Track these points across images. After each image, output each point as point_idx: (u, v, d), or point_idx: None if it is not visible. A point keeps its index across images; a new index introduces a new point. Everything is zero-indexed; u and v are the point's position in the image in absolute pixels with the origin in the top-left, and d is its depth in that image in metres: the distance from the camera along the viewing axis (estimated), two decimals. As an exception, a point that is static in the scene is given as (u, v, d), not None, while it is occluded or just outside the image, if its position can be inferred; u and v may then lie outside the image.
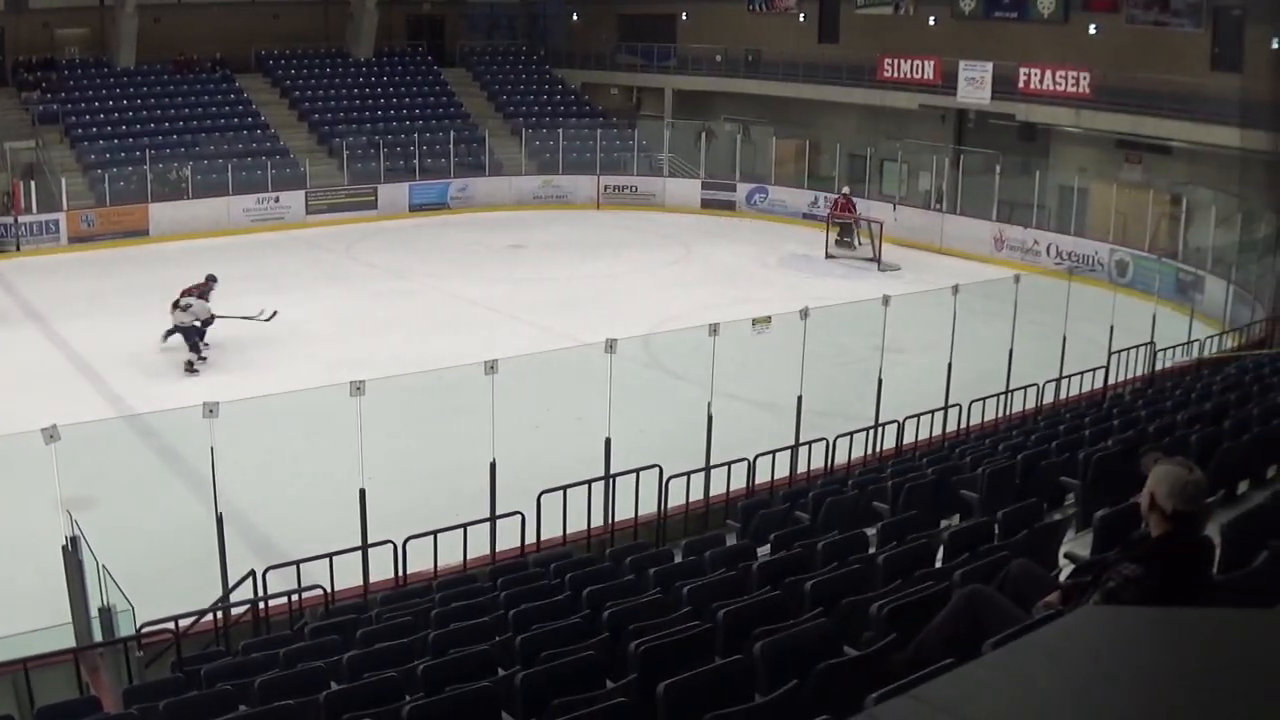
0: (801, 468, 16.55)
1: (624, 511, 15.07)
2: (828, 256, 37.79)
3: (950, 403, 18.54)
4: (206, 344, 26.23)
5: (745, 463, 15.80)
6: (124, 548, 13.62)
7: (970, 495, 12.30)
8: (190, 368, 25.60)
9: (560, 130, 48.55)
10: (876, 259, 36.80)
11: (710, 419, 16.90)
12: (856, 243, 38.14)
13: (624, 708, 6.87)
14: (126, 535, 15.61)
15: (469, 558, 13.75)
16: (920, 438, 17.48)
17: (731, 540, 12.88)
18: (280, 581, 13.00)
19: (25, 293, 32.75)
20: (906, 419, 17.49)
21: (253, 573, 12.85)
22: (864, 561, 9.49)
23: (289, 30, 50.45)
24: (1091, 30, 37.89)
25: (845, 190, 39.70)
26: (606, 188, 47.08)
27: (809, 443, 16.76)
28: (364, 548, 13.86)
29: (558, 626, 9.01)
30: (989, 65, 39.41)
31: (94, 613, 11.93)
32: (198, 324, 26.04)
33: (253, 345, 27.07)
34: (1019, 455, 13.12)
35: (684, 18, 52.19)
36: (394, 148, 45.91)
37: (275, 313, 27.75)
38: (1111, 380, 20.15)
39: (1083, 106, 37.17)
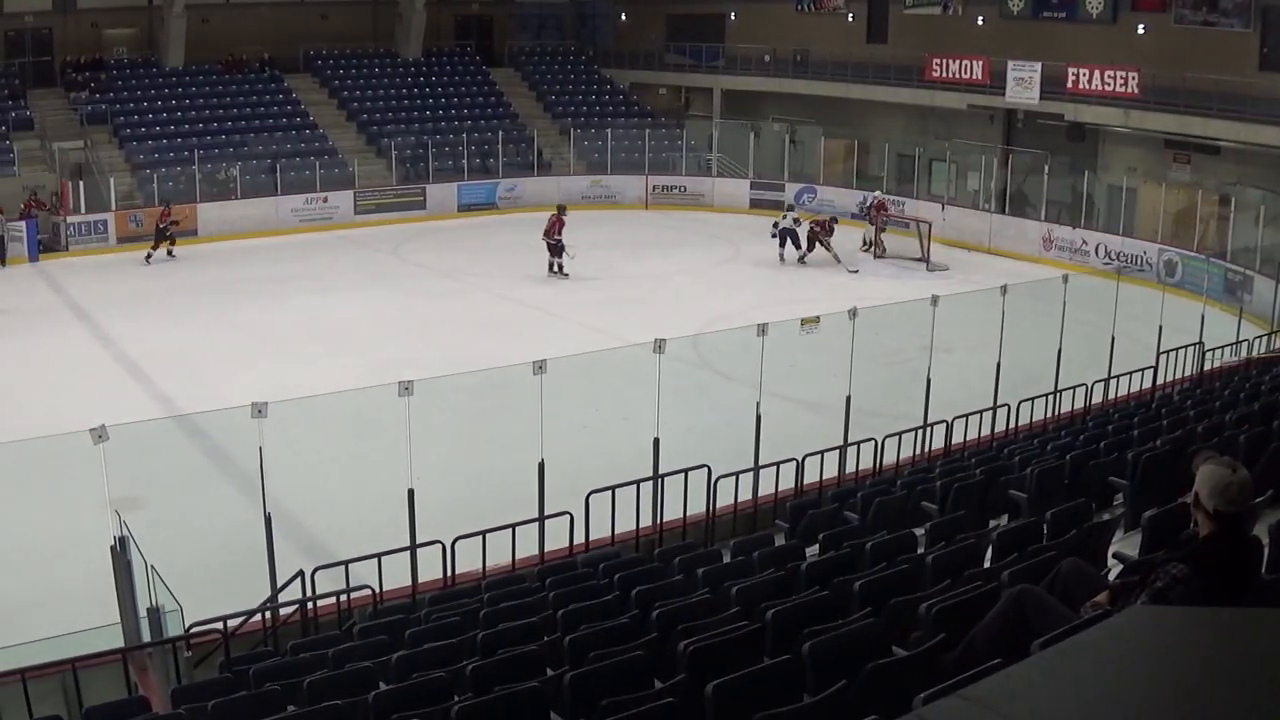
0: (850, 468, 16.46)
1: (672, 511, 15.02)
2: (876, 257, 37.76)
3: (999, 403, 18.44)
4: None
5: (794, 463, 15.70)
6: (172, 548, 13.69)
7: (1019, 495, 12.25)
8: (802, 260, 36.39)
9: (609, 130, 48.60)
10: (925, 259, 36.74)
11: (759, 419, 16.83)
12: (868, 245, 38.68)
13: (672, 708, 6.86)
14: (175, 535, 15.69)
15: (517, 558, 13.72)
16: (969, 438, 17.38)
17: (780, 540, 12.85)
18: (329, 582, 13.02)
19: (74, 293, 33.04)
20: (955, 419, 17.41)
21: (301, 573, 12.86)
22: (912, 561, 9.46)
23: (337, 30, 50.72)
24: (1140, 30, 37.72)
25: (876, 194, 39.82)
26: (655, 188, 47.09)
27: (858, 443, 16.68)
28: (412, 548, 13.85)
29: (606, 626, 9.01)
30: (1037, 65, 39.20)
31: (142, 613, 11.94)
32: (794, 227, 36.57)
33: (302, 342, 27.27)
34: (1067, 455, 13.06)
35: (732, 18, 52.14)
36: (442, 148, 46.07)
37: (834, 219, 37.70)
38: (1160, 380, 20.00)
39: (1131, 106, 36.95)
